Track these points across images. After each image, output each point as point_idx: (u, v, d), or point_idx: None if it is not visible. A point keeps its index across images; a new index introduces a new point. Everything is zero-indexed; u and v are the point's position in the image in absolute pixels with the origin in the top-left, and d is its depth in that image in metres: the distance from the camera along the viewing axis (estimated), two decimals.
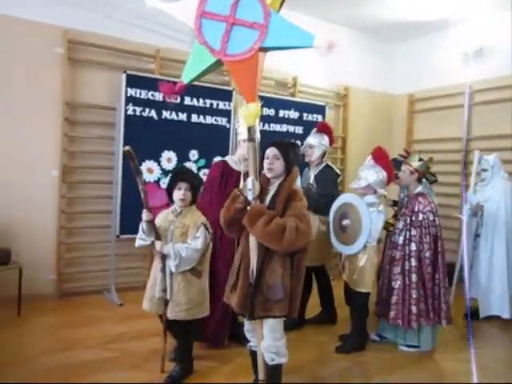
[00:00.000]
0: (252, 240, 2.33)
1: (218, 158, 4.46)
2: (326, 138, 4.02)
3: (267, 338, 2.41)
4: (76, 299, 4.38)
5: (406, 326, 3.38)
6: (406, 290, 3.37)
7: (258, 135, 2.32)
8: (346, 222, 3.43)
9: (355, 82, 6.52)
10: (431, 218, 3.40)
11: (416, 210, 3.41)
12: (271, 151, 2.45)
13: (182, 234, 2.75)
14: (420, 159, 3.56)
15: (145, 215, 2.69)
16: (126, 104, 4.48)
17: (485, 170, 4.41)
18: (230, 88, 5.17)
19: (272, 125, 5.48)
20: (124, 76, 4.46)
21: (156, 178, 4.73)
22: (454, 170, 5.91)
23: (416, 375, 3.11)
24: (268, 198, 2.44)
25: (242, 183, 2.28)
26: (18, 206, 4.24)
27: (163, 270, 2.73)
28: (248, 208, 2.29)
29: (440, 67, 6.31)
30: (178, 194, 2.75)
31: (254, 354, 2.54)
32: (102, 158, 4.64)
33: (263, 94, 5.43)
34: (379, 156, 3.50)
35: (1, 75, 4.14)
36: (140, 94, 4.54)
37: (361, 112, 6.61)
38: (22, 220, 4.26)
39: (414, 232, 3.40)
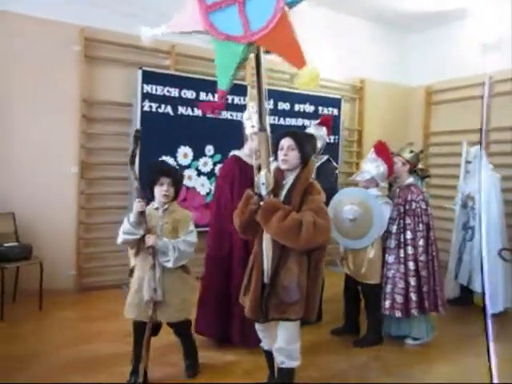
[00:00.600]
0: (266, 238, 2.22)
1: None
2: (324, 129, 3.97)
3: (280, 341, 2.32)
4: (95, 293, 4.46)
5: (405, 315, 3.35)
6: (403, 278, 3.37)
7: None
8: (353, 216, 3.41)
9: (371, 74, 6.45)
10: (424, 207, 3.45)
11: (409, 199, 3.45)
12: (286, 141, 2.33)
13: (173, 229, 2.63)
14: (411, 151, 3.65)
15: (138, 205, 2.50)
16: (142, 100, 4.51)
17: (469, 162, 4.42)
18: (245, 83, 5.16)
19: (287, 119, 5.47)
20: (140, 72, 4.49)
21: None
22: None
23: (436, 370, 3.09)
24: (283, 193, 2.33)
25: (255, 178, 2.18)
26: (39, 203, 4.32)
27: (154, 267, 2.54)
28: (261, 203, 2.17)
29: (458, 58, 6.20)
30: (160, 190, 2.60)
31: (267, 353, 2.49)
32: (119, 154, 4.68)
33: (278, 88, 5.43)
34: (381, 149, 3.56)
35: (19, 74, 4.21)
36: (156, 90, 4.57)
37: (377, 105, 6.54)
38: (43, 216, 4.34)
39: (408, 220, 3.43)
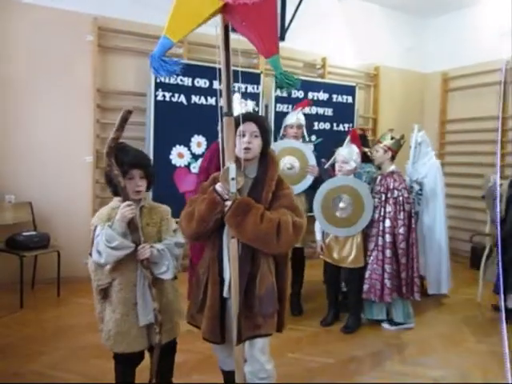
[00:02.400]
0: (232, 244, 1.83)
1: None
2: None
3: (254, 362, 1.97)
4: None
5: (379, 299, 3.42)
6: (380, 265, 3.42)
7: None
8: (343, 205, 3.39)
9: (386, 61, 6.36)
10: (406, 195, 3.47)
11: (391, 187, 3.46)
12: (249, 127, 1.94)
13: (157, 232, 2.12)
14: (392, 137, 3.63)
15: (127, 210, 1.91)
16: (156, 90, 4.52)
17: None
18: (259, 71, 5.13)
19: None
20: None
21: (186, 163, 4.77)
22: (489, 150, 5.72)
23: (452, 357, 3.09)
24: (246, 188, 1.92)
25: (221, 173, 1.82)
26: (56, 192, 4.38)
27: (150, 285, 2.01)
28: (228, 203, 1.80)
29: (474, 43, 6.07)
30: (131, 185, 2.02)
31: (228, 374, 2.11)
32: (133, 143, 4.59)
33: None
34: (355, 137, 3.66)
35: (33, 66, 4.24)
36: (169, 79, 4.57)
37: (392, 92, 6.46)
38: (60, 205, 4.40)
39: (388, 209, 3.44)
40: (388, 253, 3.41)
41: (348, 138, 3.67)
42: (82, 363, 2.80)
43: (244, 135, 1.93)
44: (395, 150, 3.60)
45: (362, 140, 3.85)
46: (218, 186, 1.85)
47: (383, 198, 3.47)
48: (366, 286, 3.45)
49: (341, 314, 3.67)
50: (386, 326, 3.57)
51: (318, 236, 3.57)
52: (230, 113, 1.80)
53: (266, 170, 1.96)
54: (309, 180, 3.69)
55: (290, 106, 5.28)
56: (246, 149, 1.92)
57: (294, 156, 3.68)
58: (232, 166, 1.79)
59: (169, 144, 4.61)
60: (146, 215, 2.10)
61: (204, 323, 1.94)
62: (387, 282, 3.40)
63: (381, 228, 3.45)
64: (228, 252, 1.87)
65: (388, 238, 3.42)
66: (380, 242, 3.44)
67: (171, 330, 2.16)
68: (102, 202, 4.64)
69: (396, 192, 3.44)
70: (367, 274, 3.46)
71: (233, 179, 1.79)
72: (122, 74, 4.64)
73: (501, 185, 4.11)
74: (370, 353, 3.13)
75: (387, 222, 3.43)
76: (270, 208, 1.88)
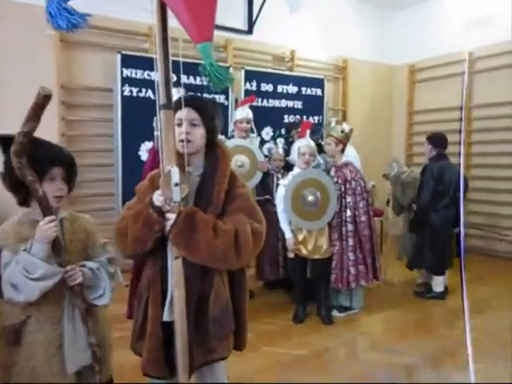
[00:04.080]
0: (176, 265, 1.51)
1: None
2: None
3: None
4: None
5: (346, 287, 3.52)
6: (345, 254, 3.51)
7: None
8: (312, 198, 3.41)
9: (354, 53, 6.42)
10: (363, 185, 3.58)
11: (349, 178, 3.55)
12: (187, 114, 1.59)
13: (83, 248, 1.72)
14: (342, 131, 3.66)
15: (49, 227, 1.50)
16: (122, 85, 4.42)
17: None
18: (227, 65, 5.09)
19: (270, 100, 5.41)
20: (119, 56, 4.39)
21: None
22: (456, 140, 5.84)
23: (423, 343, 3.16)
24: (191, 189, 1.59)
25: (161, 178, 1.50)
26: None
27: (84, 316, 1.62)
28: (170, 216, 1.48)
29: (440, 35, 6.20)
30: (52, 188, 1.59)
31: None
32: (102, 140, 4.62)
33: (261, 70, 5.37)
34: (307, 129, 3.71)
35: None
36: (136, 74, 4.48)
37: (360, 84, 6.53)
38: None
39: (348, 199, 3.52)
40: (350, 241, 3.51)
41: (308, 131, 3.67)
42: None
43: (180, 124, 1.59)
44: (345, 142, 3.64)
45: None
46: (156, 199, 1.49)
47: (342, 189, 3.54)
48: (333, 276, 3.50)
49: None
50: (336, 313, 3.64)
51: (288, 234, 3.48)
52: (169, 105, 1.49)
53: (215, 165, 1.62)
54: (259, 176, 3.81)
55: (260, 100, 5.28)
56: (186, 141, 1.57)
57: (243, 154, 3.75)
58: (175, 170, 1.46)
59: (137, 140, 4.53)
60: (68, 229, 1.67)
61: (144, 354, 1.59)
62: (352, 270, 3.50)
63: (343, 218, 3.52)
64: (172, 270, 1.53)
65: (350, 227, 3.51)
66: (343, 232, 3.52)
67: (108, 370, 1.76)
68: (70, 201, 4.53)
69: (354, 182, 3.54)
70: (334, 264, 3.51)
71: (176, 185, 1.46)
72: (86, 70, 4.53)
73: (404, 172, 4.33)
74: (343, 342, 3.17)
75: (348, 212, 3.51)
76: (223, 211, 1.58)
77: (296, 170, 3.51)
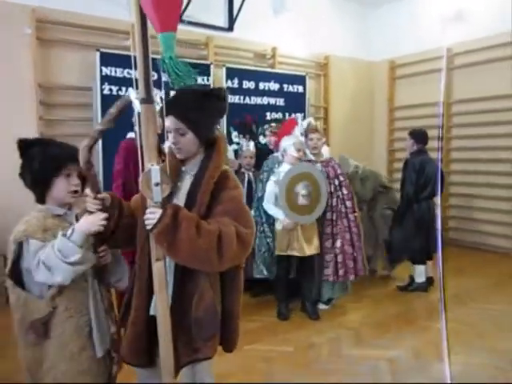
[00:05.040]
0: (159, 268, 1.49)
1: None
2: None
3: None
4: None
5: (342, 279, 3.60)
6: (350, 245, 3.60)
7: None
8: (304, 192, 3.40)
9: (335, 50, 6.45)
10: (347, 180, 3.73)
11: (339, 172, 3.68)
12: (171, 123, 1.59)
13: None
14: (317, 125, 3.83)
15: (98, 220, 1.53)
16: (102, 84, 4.36)
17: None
18: (208, 62, 5.07)
19: (252, 97, 5.41)
20: (98, 54, 4.33)
21: None
22: (435, 135, 5.92)
23: (406, 336, 3.20)
24: (183, 191, 1.61)
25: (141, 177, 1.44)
26: None
27: (108, 302, 1.77)
28: (149, 216, 1.44)
29: (419, 31, 6.26)
30: (66, 185, 1.65)
31: None
32: (81, 140, 4.49)
33: (242, 67, 5.36)
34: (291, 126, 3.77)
35: None
36: (115, 72, 4.43)
37: (342, 81, 6.56)
38: (3, 209, 4.18)
39: (345, 191, 3.65)
40: (347, 235, 3.60)
41: (296, 128, 3.69)
42: None
43: (169, 131, 1.60)
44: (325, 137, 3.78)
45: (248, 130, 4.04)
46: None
47: (337, 183, 3.62)
48: (329, 270, 3.55)
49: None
50: (322, 306, 3.71)
51: (281, 216, 3.47)
52: (149, 99, 1.41)
53: (207, 165, 1.59)
54: None
55: (242, 97, 5.27)
56: (176, 150, 1.61)
57: None
58: (155, 169, 1.40)
59: (118, 139, 4.46)
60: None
61: (124, 343, 1.61)
62: (349, 263, 3.59)
63: (343, 210, 3.61)
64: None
65: (352, 217, 3.63)
66: (345, 224, 3.61)
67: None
68: None
69: (341, 177, 3.67)
70: (330, 258, 3.55)
71: (157, 185, 1.40)
72: (65, 68, 4.44)
73: (357, 167, 4.39)
74: (328, 338, 3.19)
75: (348, 203, 3.62)
76: (208, 213, 1.54)
77: (286, 166, 3.49)
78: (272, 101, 5.56)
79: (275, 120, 4.85)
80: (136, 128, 1.92)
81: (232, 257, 1.50)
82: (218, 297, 1.64)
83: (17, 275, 1.59)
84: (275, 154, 3.89)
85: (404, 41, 6.47)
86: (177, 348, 1.55)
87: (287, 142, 3.50)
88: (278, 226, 3.51)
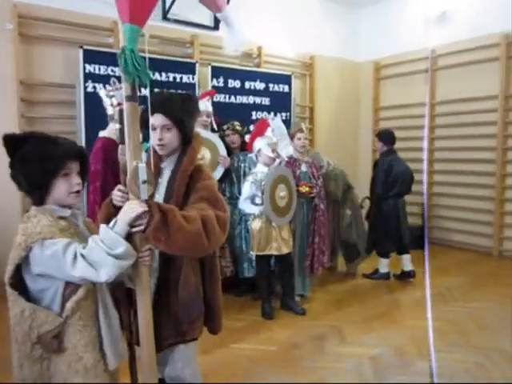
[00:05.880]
0: (143, 272, 1.51)
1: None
2: None
3: (174, 367, 1.79)
4: None
5: (316, 271, 3.86)
6: (322, 240, 3.83)
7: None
8: (284, 194, 3.48)
9: (320, 50, 6.47)
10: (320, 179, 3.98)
11: (319, 173, 3.99)
12: (158, 120, 1.69)
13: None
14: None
15: (134, 206, 1.45)
16: (85, 81, 4.31)
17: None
18: (194, 61, 5.04)
19: (238, 97, 5.40)
20: (81, 51, 4.28)
21: None
22: (420, 136, 5.99)
23: (389, 334, 3.23)
24: (162, 186, 1.75)
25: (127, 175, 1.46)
26: None
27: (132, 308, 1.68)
28: (138, 210, 1.42)
29: (404, 32, 6.33)
30: (68, 184, 1.50)
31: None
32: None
33: (228, 66, 5.34)
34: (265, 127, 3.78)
35: None
36: (99, 69, 4.38)
37: (327, 81, 6.59)
38: None
39: (323, 191, 3.91)
40: (322, 232, 3.86)
41: (271, 128, 3.67)
42: None
43: (154, 129, 1.69)
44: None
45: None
46: (116, 199, 1.53)
47: (320, 184, 3.87)
48: (308, 263, 3.79)
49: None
50: (297, 299, 3.85)
51: (255, 210, 3.47)
52: (133, 97, 1.43)
53: (180, 163, 1.73)
54: (219, 171, 3.75)
55: (227, 96, 5.25)
56: (160, 146, 1.72)
57: (204, 146, 3.63)
58: (142, 166, 1.42)
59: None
60: (85, 226, 1.61)
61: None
62: (321, 257, 3.84)
63: (322, 207, 3.85)
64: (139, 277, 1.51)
65: (322, 219, 3.86)
66: (322, 220, 3.84)
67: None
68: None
69: (320, 177, 3.95)
70: (308, 251, 3.79)
71: (144, 182, 1.42)
72: (47, 65, 4.38)
73: (329, 162, 4.42)
74: (311, 337, 3.20)
75: (324, 203, 3.90)
76: (185, 204, 1.64)
77: (261, 166, 3.51)
78: (258, 100, 5.55)
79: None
80: (116, 125, 1.87)
81: (217, 237, 1.59)
82: (199, 281, 1.77)
83: (16, 284, 1.44)
84: (249, 155, 3.89)
85: (389, 42, 6.53)
86: (164, 329, 1.69)
87: (261, 143, 3.51)
88: (255, 226, 3.48)
